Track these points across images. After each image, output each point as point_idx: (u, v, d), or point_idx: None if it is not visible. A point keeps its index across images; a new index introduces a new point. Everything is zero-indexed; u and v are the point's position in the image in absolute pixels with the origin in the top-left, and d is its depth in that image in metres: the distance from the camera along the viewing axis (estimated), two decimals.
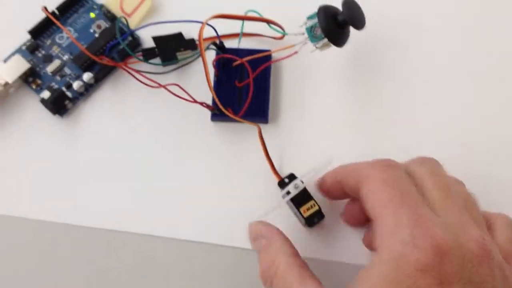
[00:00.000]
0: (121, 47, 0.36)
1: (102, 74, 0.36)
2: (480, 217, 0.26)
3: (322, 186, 0.32)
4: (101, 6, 0.38)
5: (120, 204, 0.34)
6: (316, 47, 0.32)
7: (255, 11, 0.35)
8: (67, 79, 0.36)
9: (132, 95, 0.36)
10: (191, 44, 0.36)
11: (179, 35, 0.36)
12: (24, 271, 0.33)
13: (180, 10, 0.38)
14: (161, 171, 0.35)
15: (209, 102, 0.34)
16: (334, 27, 0.31)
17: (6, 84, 0.35)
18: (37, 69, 0.36)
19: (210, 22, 0.33)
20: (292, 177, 0.32)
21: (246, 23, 0.35)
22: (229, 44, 0.36)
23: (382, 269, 0.23)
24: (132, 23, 0.37)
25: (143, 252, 0.33)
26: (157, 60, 0.35)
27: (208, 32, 0.34)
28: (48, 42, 0.37)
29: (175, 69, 0.36)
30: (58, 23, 0.35)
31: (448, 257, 0.22)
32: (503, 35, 0.37)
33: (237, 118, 0.33)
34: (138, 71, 0.34)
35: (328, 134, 0.35)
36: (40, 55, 0.37)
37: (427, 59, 0.37)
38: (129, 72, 0.34)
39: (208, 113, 0.35)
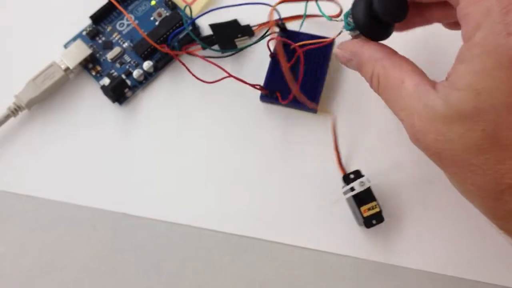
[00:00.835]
0: (181, 36, 0.35)
1: (161, 63, 0.36)
2: None
3: None
4: None
5: (176, 195, 0.34)
6: (353, 37, 0.28)
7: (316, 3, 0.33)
8: (127, 67, 0.36)
9: (189, 86, 0.35)
10: (247, 30, 0.35)
11: (235, 22, 0.35)
12: (80, 259, 0.33)
13: (244, 9, 0.37)
14: (217, 162, 0.34)
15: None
16: (367, 17, 0.26)
17: (67, 69, 0.35)
18: (97, 55, 0.36)
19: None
20: (357, 173, 0.32)
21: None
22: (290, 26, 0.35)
23: (474, 65, 0.21)
24: (194, 11, 0.37)
25: (187, 243, 0.33)
26: (216, 47, 0.35)
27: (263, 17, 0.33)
28: (109, 28, 0.37)
29: (231, 55, 0.35)
30: (120, 8, 0.35)
31: None
32: None
33: (282, 102, 0.33)
34: (201, 56, 0.33)
35: (378, 135, 0.34)
36: (100, 41, 0.37)
37: None
38: (195, 55, 0.34)
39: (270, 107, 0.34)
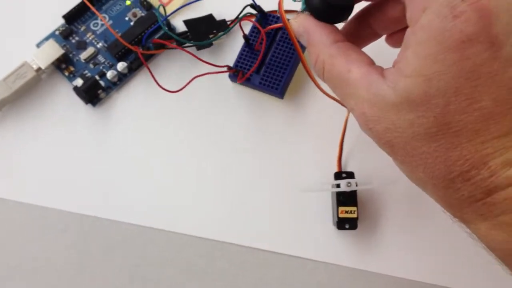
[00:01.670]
0: (157, 36, 0.35)
1: (136, 64, 0.35)
2: None
3: None
4: None
5: (149, 198, 0.33)
6: None
7: None
8: (101, 67, 0.35)
9: (167, 86, 0.35)
10: (223, 25, 0.35)
11: (210, 17, 0.35)
12: (50, 262, 0.32)
13: (220, 2, 0.36)
14: (191, 164, 0.34)
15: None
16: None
17: (39, 69, 0.34)
18: (71, 55, 0.36)
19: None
20: (350, 175, 0.32)
21: None
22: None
23: (420, 50, 0.20)
24: (168, 11, 0.36)
25: (156, 245, 0.32)
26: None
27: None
28: (83, 28, 0.36)
29: (208, 47, 0.35)
30: (93, 8, 0.35)
31: (494, 16, 0.19)
32: None
33: (238, 81, 0.33)
34: (180, 48, 0.33)
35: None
36: (74, 41, 0.36)
37: None
38: (173, 46, 0.33)
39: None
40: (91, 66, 0.35)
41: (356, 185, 0.31)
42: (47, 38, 0.36)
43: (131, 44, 0.34)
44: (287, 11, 0.33)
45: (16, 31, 0.36)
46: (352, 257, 0.32)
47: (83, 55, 0.35)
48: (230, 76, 0.34)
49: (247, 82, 0.34)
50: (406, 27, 0.22)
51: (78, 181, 0.34)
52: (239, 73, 0.33)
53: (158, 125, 0.35)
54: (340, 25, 0.27)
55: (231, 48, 0.36)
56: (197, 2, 0.35)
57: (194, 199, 0.33)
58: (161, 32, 0.36)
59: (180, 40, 0.34)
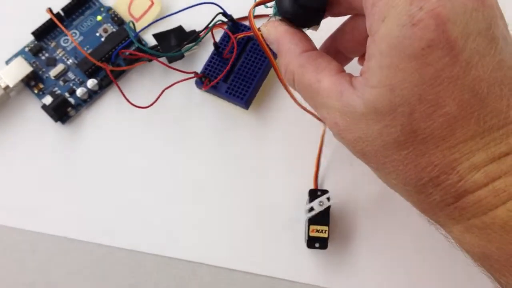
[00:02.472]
0: (127, 53, 0.34)
1: (107, 81, 0.35)
2: None
3: None
4: (109, 9, 0.36)
5: (118, 218, 0.33)
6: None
7: None
8: (71, 84, 0.35)
9: (137, 102, 0.34)
10: (193, 36, 0.34)
11: (180, 29, 0.34)
12: (18, 284, 0.32)
13: (190, 15, 0.36)
14: (162, 183, 0.33)
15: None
16: (290, 2, 0.25)
17: (7, 87, 0.34)
18: (40, 72, 0.35)
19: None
20: (324, 193, 0.31)
21: None
22: None
23: (382, 60, 0.20)
24: (140, 26, 0.36)
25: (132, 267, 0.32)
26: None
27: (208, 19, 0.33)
28: (53, 44, 0.36)
29: (180, 59, 0.35)
30: (62, 26, 0.34)
31: (451, 21, 0.19)
32: None
33: (204, 88, 0.33)
34: (155, 58, 0.33)
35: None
36: (43, 57, 0.35)
37: None
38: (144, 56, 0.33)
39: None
40: (61, 83, 0.35)
41: (328, 200, 0.31)
42: (16, 55, 0.35)
43: (101, 60, 0.34)
44: (259, 16, 0.33)
45: None
46: (321, 276, 0.31)
47: (53, 72, 0.35)
48: (196, 82, 0.34)
49: (214, 90, 0.33)
50: None
51: (47, 201, 0.33)
52: (205, 79, 0.33)
53: (129, 142, 0.34)
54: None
55: (203, 58, 0.35)
56: (168, 17, 0.35)
57: (163, 218, 0.33)
58: (132, 48, 0.35)
59: (151, 53, 0.33)
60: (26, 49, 0.35)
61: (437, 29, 0.19)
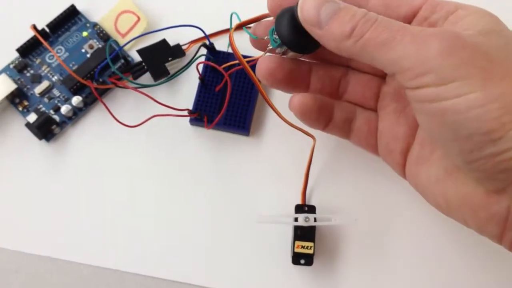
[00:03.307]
0: (112, 70, 0.34)
1: (91, 99, 0.34)
2: None
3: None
4: (95, 25, 0.36)
5: (104, 238, 0.32)
6: (281, 54, 0.27)
7: (236, 14, 0.32)
8: (56, 101, 0.35)
9: (124, 120, 0.34)
10: (178, 51, 0.34)
11: (164, 42, 0.34)
12: None
13: (176, 30, 0.36)
14: (148, 201, 0.33)
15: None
16: (293, 30, 0.25)
17: None
18: (25, 89, 0.35)
19: (195, 23, 0.32)
20: (311, 209, 0.31)
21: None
22: (220, 43, 0.35)
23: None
24: (126, 44, 0.36)
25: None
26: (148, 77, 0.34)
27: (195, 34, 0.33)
28: (38, 61, 0.35)
29: (165, 81, 0.34)
30: (46, 44, 0.34)
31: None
32: None
33: (207, 127, 0.33)
34: (132, 88, 0.32)
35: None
36: (28, 74, 0.35)
37: None
38: (125, 86, 0.33)
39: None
40: (46, 100, 0.35)
41: (315, 221, 0.30)
42: (0, 72, 0.35)
43: (86, 77, 0.34)
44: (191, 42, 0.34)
45: None
46: None
47: (38, 89, 0.35)
48: (191, 120, 0.34)
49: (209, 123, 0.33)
50: None
51: (31, 220, 0.33)
52: (203, 117, 0.32)
53: (115, 160, 0.34)
54: None
55: (187, 82, 0.35)
56: (153, 34, 0.35)
57: (149, 237, 0.32)
58: (118, 65, 0.35)
59: (136, 84, 0.33)
60: (11, 66, 0.35)
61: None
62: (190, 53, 0.34)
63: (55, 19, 0.36)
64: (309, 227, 0.30)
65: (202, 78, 0.33)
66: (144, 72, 0.34)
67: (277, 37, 0.26)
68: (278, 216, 0.32)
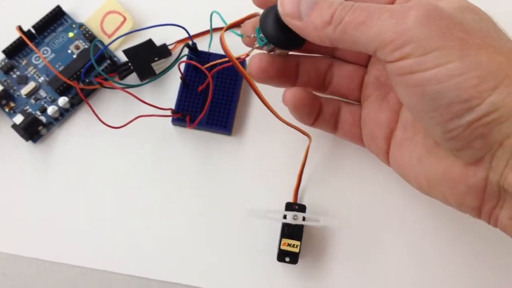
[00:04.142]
0: (101, 68, 0.34)
1: (78, 99, 0.34)
2: None
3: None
4: (81, 26, 0.36)
5: (91, 239, 0.32)
6: (268, 52, 0.28)
7: (217, 13, 0.33)
8: (42, 102, 0.34)
9: (110, 121, 0.34)
10: (164, 51, 0.34)
11: (150, 42, 0.34)
12: None
13: (162, 30, 0.36)
14: (135, 201, 0.33)
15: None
16: (278, 27, 0.26)
17: None
18: (11, 91, 0.35)
19: (181, 23, 0.32)
20: (302, 208, 0.31)
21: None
22: (205, 43, 0.35)
23: None
24: (113, 44, 0.36)
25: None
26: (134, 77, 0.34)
27: (181, 34, 0.33)
28: (24, 62, 0.35)
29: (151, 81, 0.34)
30: (31, 45, 0.34)
31: None
32: None
33: (189, 127, 0.33)
34: (119, 88, 0.32)
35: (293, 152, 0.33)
36: (14, 76, 0.35)
37: None
38: (113, 86, 0.32)
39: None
40: (32, 101, 0.34)
41: (303, 219, 0.30)
42: None
43: (72, 78, 0.34)
44: (178, 42, 0.34)
45: None
46: None
47: (24, 90, 0.34)
48: (173, 120, 0.34)
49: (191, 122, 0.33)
50: None
51: (18, 221, 0.32)
52: (185, 117, 0.32)
53: (102, 161, 0.34)
54: None
55: (174, 80, 0.35)
56: (138, 33, 0.35)
57: (137, 238, 0.32)
58: (104, 65, 0.35)
59: (122, 84, 0.33)
60: None
61: None
62: (176, 53, 0.34)
63: (41, 20, 0.35)
64: (297, 226, 0.30)
65: (184, 77, 0.33)
66: (131, 72, 0.34)
67: (263, 36, 0.27)
68: (268, 212, 0.32)
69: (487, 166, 0.22)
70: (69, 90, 0.34)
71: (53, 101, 0.34)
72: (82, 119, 0.34)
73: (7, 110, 0.34)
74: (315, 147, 0.33)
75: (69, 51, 0.36)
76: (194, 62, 0.33)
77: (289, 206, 0.31)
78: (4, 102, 0.34)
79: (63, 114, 0.34)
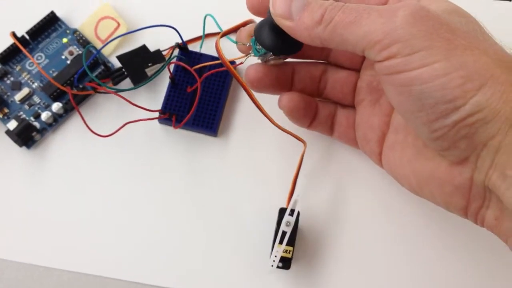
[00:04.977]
0: (94, 74, 0.34)
1: (71, 105, 0.34)
2: None
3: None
4: (75, 31, 0.36)
5: (85, 244, 0.32)
6: (263, 62, 0.29)
7: (211, 16, 0.33)
8: (36, 108, 0.35)
9: (103, 126, 0.34)
10: (158, 57, 0.34)
11: (144, 48, 0.34)
12: None
13: (155, 35, 0.36)
14: (138, 207, 0.33)
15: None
16: (275, 37, 0.27)
17: None
18: (5, 97, 0.35)
19: (174, 25, 0.33)
20: (294, 213, 0.31)
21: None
22: (195, 44, 0.35)
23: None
24: (106, 49, 0.36)
25: None
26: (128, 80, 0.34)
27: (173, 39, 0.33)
28: (18, 68, 0.35)
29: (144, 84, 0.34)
30: (25, 51, 0.34)
31: None
32: None
33: (174, 127, 0.33)
34: (113, 92, 0.32)
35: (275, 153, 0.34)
36: (8, 82, 0.35)
37: None
38: (107, 91, 0.33)
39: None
40: (26, 107, 0.35)
41: (297, 222, 0.30)
42: None
43: (66, 83, 0.34)
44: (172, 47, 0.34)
45: None
46: None
47: (18, 96, 0.35)
48: (160, 121, 0.34)
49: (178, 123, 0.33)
50: None
51: (12, 227, 0.33)
52: (172, 117, 0.33)
53: (96, 167, 0.34)
54: None
55: (167, 83, 0.35)
56: (135, 40, 0.35)
57: (129, 243, 0.32)
58: (98, 71, 0.35)
59: (115, 90, 0.33)
60: None
61: None
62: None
63: (34, 26, 0.36)
64: (291, 231, 0.30)
65: (173, 78, 0.33)
66: (124, 78, 0.34)
67: (260, 47, 0.28)
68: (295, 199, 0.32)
69: (472, 166, 0.23)
70: (63, 95, 0.35)
71: (47, 107, 0.35)
72: (76, 125, 0.35)
73: (1, 116, 0.34)
74: (311, 151, 0.33)
75: (63, 57, 0.36)
76: (184, 64, 0.33)
77: (283, 212, 0.31)
78: None
79: (57, 120, 0.34)
